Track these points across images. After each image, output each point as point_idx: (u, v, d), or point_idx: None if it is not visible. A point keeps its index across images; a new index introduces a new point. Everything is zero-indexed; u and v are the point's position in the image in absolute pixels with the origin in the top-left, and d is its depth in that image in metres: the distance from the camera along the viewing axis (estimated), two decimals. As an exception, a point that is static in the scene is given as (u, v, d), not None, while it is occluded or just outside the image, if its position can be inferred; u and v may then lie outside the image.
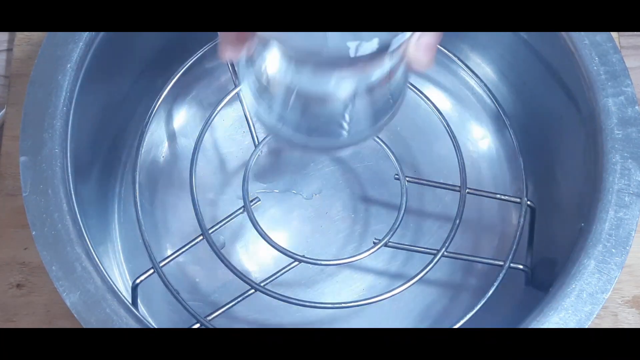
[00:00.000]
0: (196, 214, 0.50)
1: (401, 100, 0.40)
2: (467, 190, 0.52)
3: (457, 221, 0.51)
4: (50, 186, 0.46)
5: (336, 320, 0.55)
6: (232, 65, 0.55)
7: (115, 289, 0.45)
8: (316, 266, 0.54)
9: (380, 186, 0.58)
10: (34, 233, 0.45)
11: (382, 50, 0.33)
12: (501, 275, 0.50)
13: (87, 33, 0.49)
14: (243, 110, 0.54)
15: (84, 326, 0.44)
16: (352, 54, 0.32)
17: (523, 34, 0.54)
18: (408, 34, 0.33)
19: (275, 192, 0.58)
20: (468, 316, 0.48)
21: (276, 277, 0.51)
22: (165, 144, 0.60)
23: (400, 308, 0.56)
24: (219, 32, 0.37)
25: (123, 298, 0.44)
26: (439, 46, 0.56)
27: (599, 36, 0.49)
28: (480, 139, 0.60)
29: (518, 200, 0.53)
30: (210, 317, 0.49)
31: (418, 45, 0.33)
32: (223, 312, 0.50)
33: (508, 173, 0.59)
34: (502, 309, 0.54)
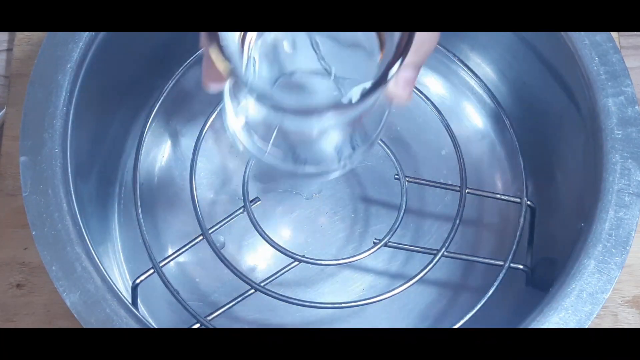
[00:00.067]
0: (196, 214, 0.50)
1: (383, 127, 0.40)
2: (467, 190, 0.52)
3: (457, 221, 0.51)
4: (50, 186, 0.46)
5: (336, 320, 0.55)
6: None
7: (115, 289, 0.45)
8: (316, 266, 0.54)
9: (380, 186, 0.58)
10: (34, 233, 0.45)
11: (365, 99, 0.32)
12: (501, 275, 0.50)
13: (87, 33, 0.49)
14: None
15: (84, 326, 0.44)
16: (334, 109, 0.32)
17: (523, 34, 0.54)
18: (389, 83, 0.32)
19: (277, 191, 0.58)
20: (468, 316, 0.48)
21: (276, 277, 0.51)
22: (166, 144, 0.60)
23: (400, 308, 0.56)
24: (202, 65, 0.37)
25: (123, 298, 0.44)
26: (439, 46, 0.57)
27: (599, 36, 0.49)
28: (481, 139, 0.60)
29: (518, 200, 0.53)
30: (210, 317, 0.49)
31: (397, 80, 0.33)
32: (223, 312, 0.50)
33: (508, 173, 0.59)
34: (502, 309, 0.54)
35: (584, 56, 0.49)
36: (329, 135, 0.38)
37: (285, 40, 0.36)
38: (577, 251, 0.46)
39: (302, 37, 0.36)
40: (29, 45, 0.59)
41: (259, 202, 0.53)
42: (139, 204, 0.51)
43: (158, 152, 0.59)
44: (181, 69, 0.54)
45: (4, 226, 0.55)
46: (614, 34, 0.58)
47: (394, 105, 0.38)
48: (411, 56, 0.32)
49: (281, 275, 0.51)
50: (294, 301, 0.49)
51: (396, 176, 0.53)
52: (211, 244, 0.50)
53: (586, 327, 0.44)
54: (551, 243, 0.54)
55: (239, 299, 0.50)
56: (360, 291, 0.56)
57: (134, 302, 0.51)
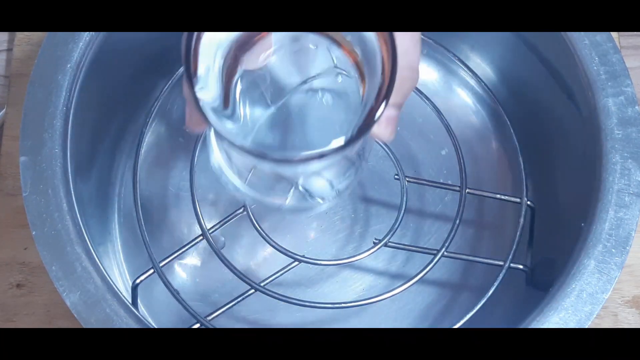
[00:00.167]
0: (196, 214, 0.50)
1: (366, 160, 0.40)
2: (467, 190, 0.52)
3: (457, 221, 0.51)
4: (50, 186, 0.46)
5: (336, 320, 0.55)
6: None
7: (115, 289, 0.45)
8: (316, 266, 0.54)
9: (380, 186, 0.58)
10: (34, 233, 0.45)
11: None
12: (501, 275, 0.50)
13: (87, 33, 0.49)
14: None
15: (84, 326, 0.44)
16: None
17: (523, 34, 0.54)
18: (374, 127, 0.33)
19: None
20: (468, 316, 0.48)
21: (276, 277, 0.51)
22: (166, 144, 0.60)
23: (400, 308, 0.56)
24: (186, 110, 0.37)
25: (123, 298, 0.44)
26: (440, 46, 0.57)
27: (599, 36, 0.49)
28: (481, 139, 0.60)
29: (518, 200, 0.53)
30: (210, 317, 0.49)
31: (379, 121, 0.32)
32: (223, 312, 0.50)
33: (508, 173, 0.59)
34: (502, 309, 0.54)
35: (584, 56, 0.49)
36: (313, 175, 0.38)
37: (268, 76, 0.36)
38: (577, 251, 0.46)
39: (283, 71, 0.36)
40: (29, 45, 0.59)
41: (259, 202, 0.53)
42: (139, 204, 0.51)
43: (158, 152, 0.59)
44: (181, 68, 0.54)
45: (4, 226, 0.55)
46: (614, 34, 0.58)
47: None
48: (392, 97, 0.32)
49: (281, 275, 0.51)
50: (294, 301, 0.49)
51: (396, 176, 0.53)
52: (211, 244, 0.50)
53: (586, 327, 0.44)
54: (551, 243, 0.54)
55: (239, 299, 0.50)
56: (360, 291, 0.56)
57: (134, 302, 0.51)
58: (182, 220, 0.57)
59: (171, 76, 0.54)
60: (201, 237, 0.50)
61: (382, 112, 0.32)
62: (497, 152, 0.60)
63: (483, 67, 0.59)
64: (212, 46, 0.33)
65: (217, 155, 0.39)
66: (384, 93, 0.32)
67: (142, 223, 0.50)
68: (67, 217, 0.45)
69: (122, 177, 0.59)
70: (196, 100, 0.32)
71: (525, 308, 0.46)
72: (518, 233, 0.51)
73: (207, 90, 0.33)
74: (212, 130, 0.33)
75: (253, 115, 0.36)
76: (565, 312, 0.44)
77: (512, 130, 0.54)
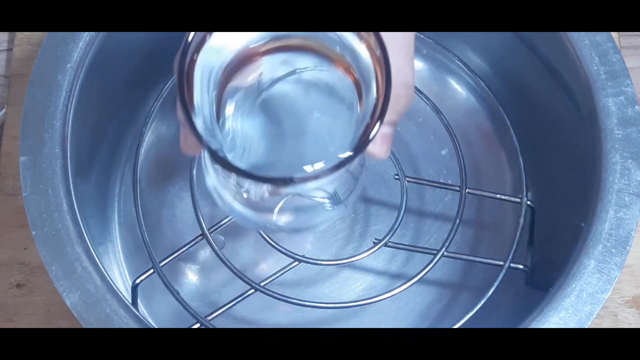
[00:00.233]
0: (196, 214, 0.50)
1: (363, 178, 0.40)
2: (467, 190, 0.52)
3: (457, 221, 0.51)
4: (50, 186, 0.46)
5: (336, 320, 0.55)
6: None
7: (115, 289, 0.45)
8: (316, 266, 0.54)
9: (380, 186, 0.58)
10: (34, 233, 0.45)
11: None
12: (501, 275, 0.50)
13: (87, 33, 0.49)
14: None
15: (84, 326, 0.44)
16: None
17: (523, 34, 0.54)
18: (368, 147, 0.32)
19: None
20: (468, 316, 0.48)
21: (276, 277, 0.51)
22: (165, 144, 0.60)
23: (400, 308, 0.56)
24: (180, 133, 0.37)
25: (123, 298, 0.44)
26: (440, 46, 0.57)
27: (599, 36, 0.49)
28: (481, 139, 0.60)
29: (518, 200, 0.53)
30: (210, 317, 0.49)
31: (374, 140, 0.32)
32: (223, 312, 0.50)
33: (508, 173, 0.59)
34: (502, 309, 0.54)
35: (584, 56, 0.49)
36: (313, 191, 0.38)
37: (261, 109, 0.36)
38: (577, 251, 0.46)
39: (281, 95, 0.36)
40: (29, 45, 0.59)
41: (259, 202, 0.53)
42: (139, 204, 0.51)
43: (158, 152, 0.59)
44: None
45: (4, 226, 0.55)
46: (614, 34, 0.58)
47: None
48: (387, 115, 0.32)
49: (281, 275, 0.51)
50: (294, 301, 0.49)
51: (396, 176, 0.53)
52: (211, 244, 0.50)
53: (586, 327, 0.44)
54: (551, 243, 0.54)
55: (239, 299, 0.50)
56: (360, 291, 0.56)
57: (134, 302, 0.51)
58: (182, 220, 0.57)
59: (171, 76, 0.54)
60: (201, 237, 0.50)
61: (377, 131, 0.31)
62: (497, 152, 0.60)
63: (483, 67, 0.59)
64: (205, 70, 0.33)
65: (211, 176, 0.39)
66: (379, 111, 0.32)
67: (142, 223, 0.50)
68: (67, 217, 0.45)
69: (122, 177, 0.59)
70: (193, 126, 0.32)
71: (525, 308, 0.46)
72: (518, 233, 0.51)
73: (200, 113, 0.33)
74: (206, 153, 0.33)
75: (246, 133, 0.36)
76: (565, 312, 0.44)
77: (512, 130, 0.54)
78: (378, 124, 0.31)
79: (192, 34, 0.33)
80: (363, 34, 0.33)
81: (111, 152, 0.58)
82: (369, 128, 0.32)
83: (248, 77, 0.36)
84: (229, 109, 0.36)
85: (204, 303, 0.55)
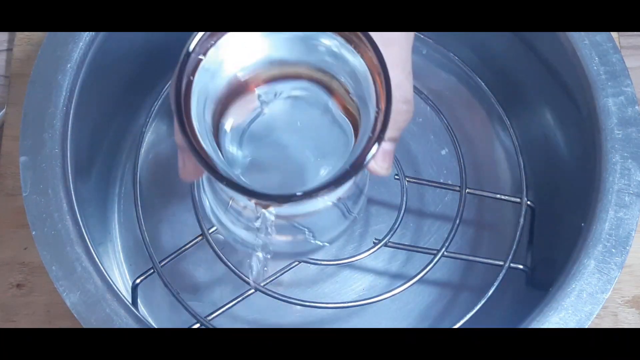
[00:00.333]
0: (196, 214, 0.50)
1: (363, 204, 0.40)
2: (467, 190, 0.52)
3: (457, 221, 0.51)
4: (50, 186, 0.46)
5: (336, 320, 0.55)
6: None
7: (115, 289, 0.45)
8: (316, 266, 0.54)
9: (380, 186, 0.58)
10: (34, 233, 0.45)
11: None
12: (501, 275, 0.50)
13: (87, 33, 0.49)
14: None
15: (84, 326, 0.44)
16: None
17: (523, 34, 0.54)
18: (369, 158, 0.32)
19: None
20: (468, 316, 0.48)
21: (276, 277, 0.51)
22: (166, 144, 0.60)
23: (400, 308, 0.56)
24: (178, 159, 0.37)
25: (123, 298, 0.44)
26: (439, 46, 0.57)
27: (599, 36, 0.49)
28: (481, 139, 0.60)
29: (518, 200, 0.53)
30: (210, 317, 0.49)
31: (375, 157, 0.32)
32: (223, 312, 0.50)
33: (508, 173, 0.59)
34: (502, 309, 0.54)
35: (584, 56, 0.49)
36: (306, 218, 0.38)
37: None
38: (577, 251, 0.46)
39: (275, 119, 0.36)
40: (29, 45, 0.59)
41: (259, 202, 0.53)
42: (139, 204, 0.51)
43: (158, 152, 0.59)
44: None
45: (4, 226, 0.55)
46: (614, 34, 0.58)
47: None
48: (388, 131, 0.31)
49: (281, 275, 0.51)
50: (294, 301, 0.49)
51: (396, 176, 0.53)
52: (211, 244, 0.50)
53: (586, 327, 0.44)
54: (551, 243, 0.54)
55: (239, 299, 0.50)
56: (360, 291, 0.56)
57: (134, 302, 0.51)
58: (182, 220, 0.57)
59: (171, 76, 0.54)
60: (201, 237, 0.50)
61: (378, 149, 0.31)
62: (497, 152, 0.60)
63: (483, 66, 0.59)
64: (201, 96, 0.33)
65: (211, 199, 0.39)
66: (380, 126, 0.31)
67: (142, 223, 0.50)
68: (67, 217, 0.45)
69: (122, 177, 0.59)
70: (196, 149, 0.31)
71: (525, 308, 0.46)
72: (518, 233, 0.51)
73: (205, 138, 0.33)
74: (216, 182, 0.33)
75: (243, 161, 0.35)
76: (565, 312, 0.44)
77: (512, 131, 0.54)
78: (376, 145, 0.31)
79: (185, 51, 0.32)
80: (361, 46, 0.32)
81: (111, 152, 0.58)
82: (369, 143, 0.31)
83: (243, 106, 0.35)
84: (226, 136, 0.35)
85: (204, 303, 0.55)
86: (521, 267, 0.52)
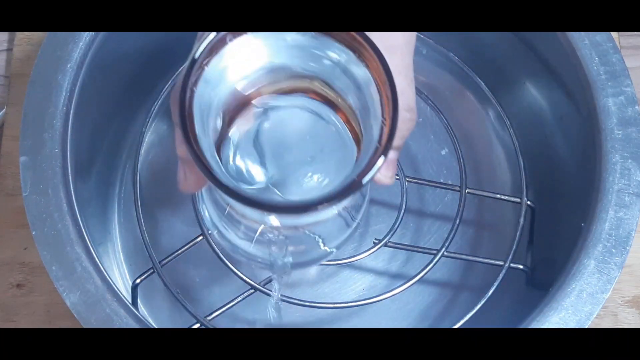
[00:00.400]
0: (196, 214, 0.50)
1: (365, 210, 0.40)
2: (467, 190, 0.52)
3: (457, 221, 0.51)
4: (50, 186, 0.46)
5: (336, 320, 0.55)
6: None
7: (115, 289, 0.45)
8: (316, 266, 0.54)
9: (380, 186, 0.58)
10: (34, 233, 0.45)
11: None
12: (501, 275, 0.50)
13: (87, 33, 0.49)
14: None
15: (84, 326, 0.44)
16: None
17: (523, 34, 0.54)
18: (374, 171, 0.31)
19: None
20: (468, 316, 0.48)
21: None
22: (166, 144, 0.60)
23: (400, 308, 0.56)
24: (179, 172, 0.37)
25: (123, 298, 0.44)
26: (439, 46, 0.57)
27: (599, 36, 0.49)
28: (481, 139, 0.60)
29: (518, 200, 0.53)
30: (210, 317, 0.49)
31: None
32: (223, 312, 0.50)
33: (508, 173, 0.59)
34: (502, 309, 0.54)
35: (584, 56, 0.49)
36: (309, 230, 0.38)
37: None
38: (577, 251, 0.46)
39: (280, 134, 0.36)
40: (29, 45, 0.59)
41: (259, 202, 0.53)
42: (139, 204, 0.51)
43: (158, 152, 0.59)
44: (181, 69, 0.54)
45: (4, 226, 0.55)
46: (614, 34, 0.58)
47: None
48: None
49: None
50: (294, 301, 0.49)
51: (396, 176, 0.53)
52: (211, 244, 0.50)
53: (586, 327, 0.44)
54: (551, 243, 0.54)
55: (239, 299, 0.50)
56: (360, 291, 0.56)
57: (134, 302, 0.51)
58: (182, 220, 0.57)
59: (171, 76, 0.54)
60: (201, 237, 0.50)
61: (384, 161, 0.30)
62: (497, 152, 0.60)
63: (483, 67, 0.59)
64: (204, 108, 0.33)
65: (212, 212, 0.39)
66: (387, 135, 0.31)
67: (142, 223, 0.50)
68: (67, 217, 0.45)
69: (122, 177, 0.59)
70: (201, 161, 0.30)
71: (525, 308, 0.46)
72: (518, 233, 0.51)
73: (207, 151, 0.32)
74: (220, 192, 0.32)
75: (247, 175, 0.35)
76: (565, 312, 0.44)
77: (512, 131, 0.54)
78: (382, 157, 0.30)
79: (189, 61, 0.32)
80: (366, 55, 0.32)
81: (111, 152, 0.58)
82: (376, 155, 0.30)
83: (245, 120, 0.35)
84: (229, 150, 0.35)
85: (204, 303, 0.55)
86: (521, 267, 0.52)
